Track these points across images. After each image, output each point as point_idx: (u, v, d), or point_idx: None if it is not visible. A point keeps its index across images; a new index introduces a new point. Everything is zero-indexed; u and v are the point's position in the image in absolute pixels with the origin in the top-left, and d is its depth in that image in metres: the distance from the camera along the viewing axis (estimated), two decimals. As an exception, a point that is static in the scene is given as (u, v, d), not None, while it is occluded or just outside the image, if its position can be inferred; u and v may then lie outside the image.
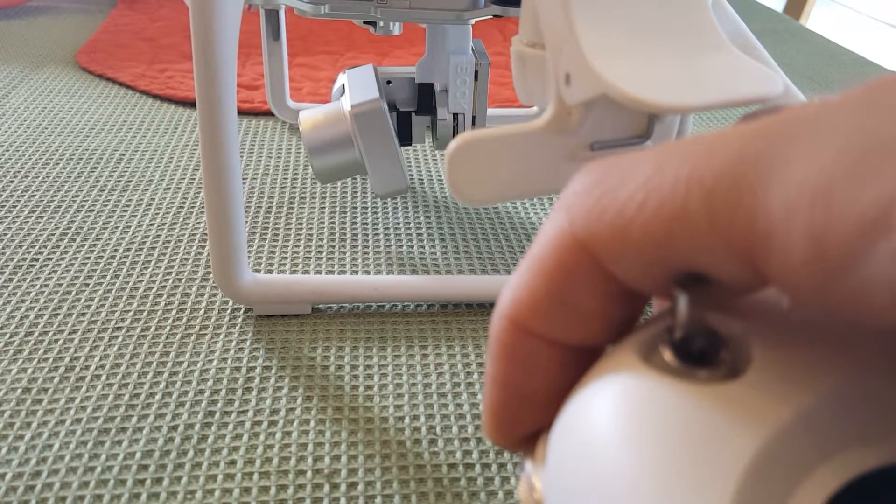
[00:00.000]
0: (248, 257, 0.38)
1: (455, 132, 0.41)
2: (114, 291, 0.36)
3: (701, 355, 0.10)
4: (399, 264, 0.40)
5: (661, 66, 0.21)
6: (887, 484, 0.10)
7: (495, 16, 0.38)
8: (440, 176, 0.50)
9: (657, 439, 0.09)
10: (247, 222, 0.43)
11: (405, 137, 0.44)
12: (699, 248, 0.10)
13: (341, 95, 0.40)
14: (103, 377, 0.31)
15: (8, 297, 0.35)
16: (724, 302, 0.11)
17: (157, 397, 0.30)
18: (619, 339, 0.12)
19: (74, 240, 0.40)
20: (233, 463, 0.27)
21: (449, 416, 0.30)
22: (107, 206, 0.44)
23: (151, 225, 0.42)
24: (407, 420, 0.29)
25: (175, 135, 0.54)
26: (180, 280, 0.37)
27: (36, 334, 0.33)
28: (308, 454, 0.28)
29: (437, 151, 0.53)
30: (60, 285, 0.36)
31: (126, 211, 0.43)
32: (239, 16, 0.30)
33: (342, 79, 0.41)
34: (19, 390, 0.30)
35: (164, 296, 0.36)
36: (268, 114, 0.57)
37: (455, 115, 0.41)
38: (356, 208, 0.45)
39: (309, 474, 0.27)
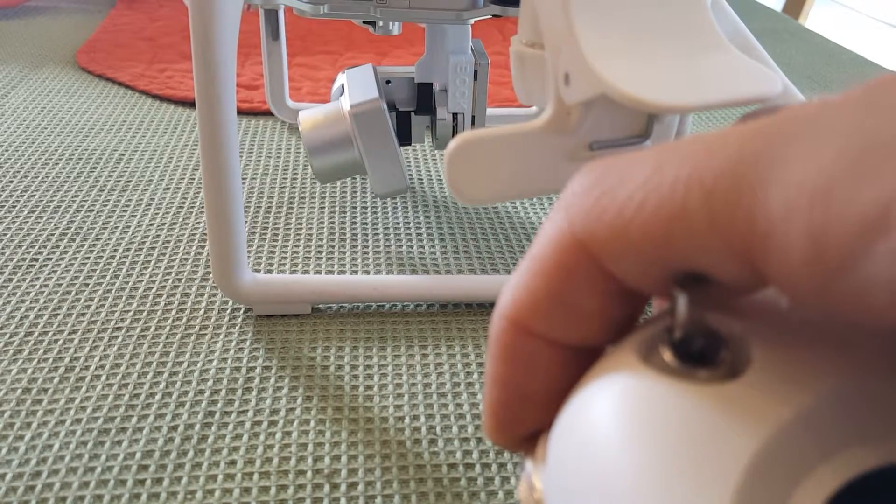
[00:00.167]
0: (248, 257, 0.38)
1: (454, 132, 0.41)
2: (114, 291, 0.36)
3: (701, 355, 0.10)
4: (399, 264, 0.40)
5: (661, 65, 0.21)
6: (887, 484, 0.10)
7: (494, 15, 0.38)
8: (440, 176, 0.50)
9: (657, 439, 0.09)
10: (246, 222, 0.43)
11: (405, 137, 0.44)
12: (699, 248, 0.10)
13: (341, 95, 0.40)
14: (103, 377, 0.31)
15: (8, 297, 0.35)
16: (723, 302, 0.11)
17: (157, 397, 0.30)
18: (619, 339, 0.12)
19: (74, 240, 0.40)
20: (233, 463, 0.27)
21: (449, 416, 0.30)
22: (106, 206, 0.44)
23: (151, 225, 0.42)
24: (407, 420, 0.29)
25: (175, 135, 0.54)
26: (180, 280, 0.37)
27: (36, 334, 0.33)
28: (308, 454, 0.28)
29: (436, 151, 0.53)
30: (60, 285, 0.36)
31: (126, 211, 0.43)
32: (238, 16, 0.30)
33: (341, 78, 0.41)
34: (19, 390, 0.30)
35: (164, 296, 0.36)
36: (267, 114, 0.57)
37: (454, 115, 0.41)
38: (356, 208, 0.45)
39: (309, 474, 0.27)
